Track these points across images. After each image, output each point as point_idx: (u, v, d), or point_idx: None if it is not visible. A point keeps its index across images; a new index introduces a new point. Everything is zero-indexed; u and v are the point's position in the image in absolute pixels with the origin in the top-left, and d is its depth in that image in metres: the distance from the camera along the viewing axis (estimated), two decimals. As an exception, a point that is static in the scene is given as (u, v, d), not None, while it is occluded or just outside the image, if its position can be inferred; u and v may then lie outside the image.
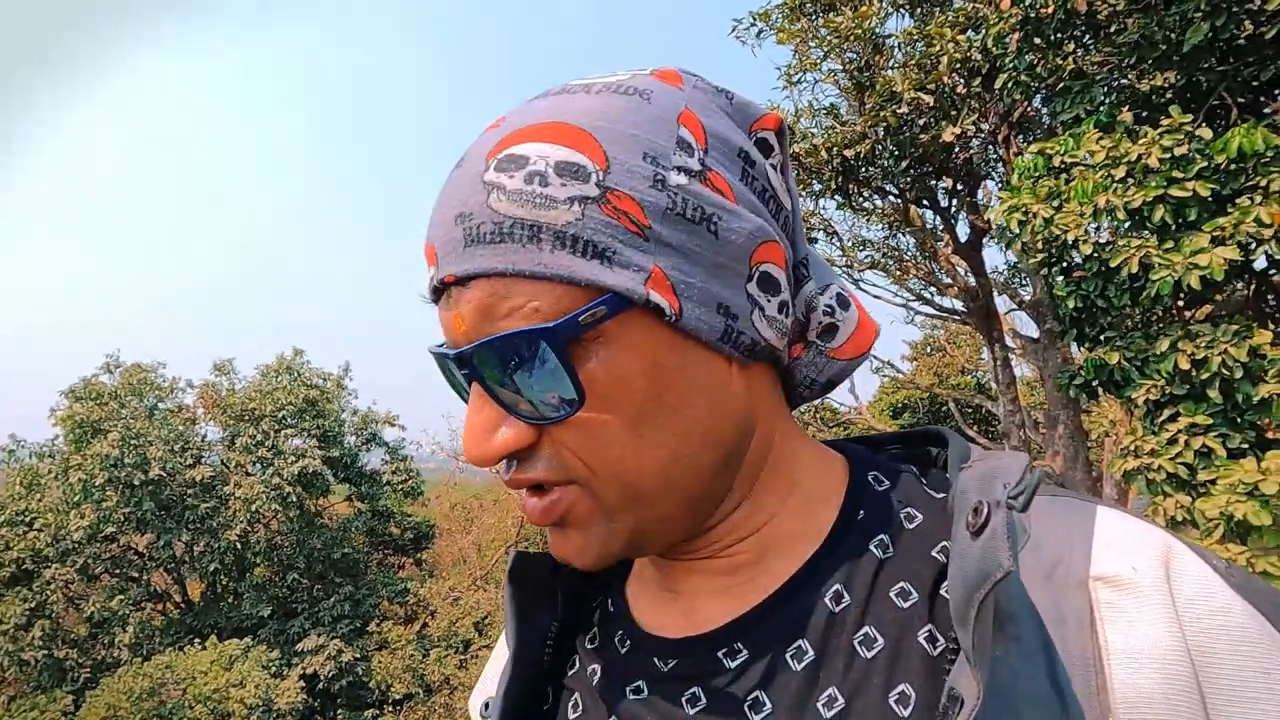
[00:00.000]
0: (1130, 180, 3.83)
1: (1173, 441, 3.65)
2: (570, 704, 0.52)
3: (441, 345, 0.46)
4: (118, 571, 12.69)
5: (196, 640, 11.67)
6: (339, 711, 12.10)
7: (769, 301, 0.45)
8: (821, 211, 8.92)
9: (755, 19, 7.69)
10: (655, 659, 0.48)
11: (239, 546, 12.71)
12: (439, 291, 0.44)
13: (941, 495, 0.49)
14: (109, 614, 11.72)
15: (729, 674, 0.45)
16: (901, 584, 0.45)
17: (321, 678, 11.89)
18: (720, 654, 0.46)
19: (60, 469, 11.93)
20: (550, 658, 0.53)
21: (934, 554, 0.45)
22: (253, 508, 12.38)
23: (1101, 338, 4.30)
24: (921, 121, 6.91)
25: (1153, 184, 3.69)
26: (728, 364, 0.45)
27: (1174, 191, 3.62)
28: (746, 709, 0.44)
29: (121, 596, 12.07)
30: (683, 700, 0.46)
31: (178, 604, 13.83)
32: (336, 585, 13.26)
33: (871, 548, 0.47)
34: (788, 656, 0.44)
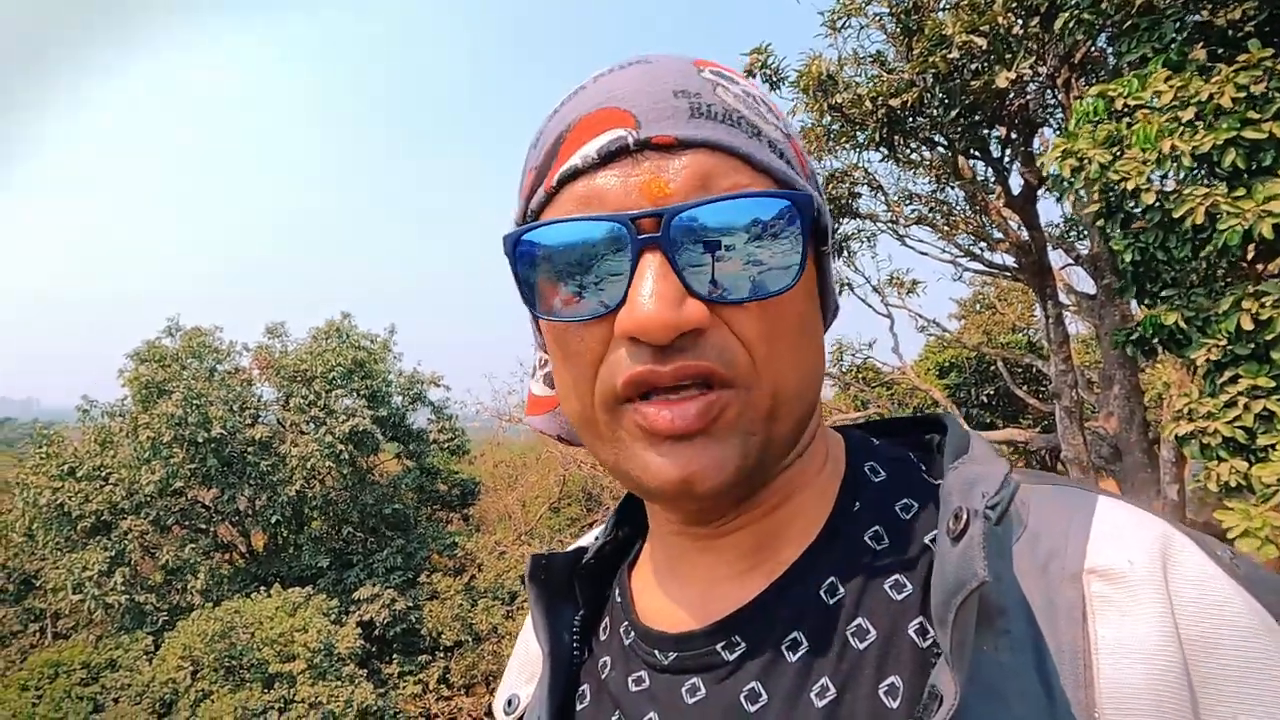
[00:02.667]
0: (1199, 123, 3.56)
1: (1231, 404, 3.47)
2: (578, 694, 0.53)
3: (587, 217, 0.42)
4: (187, 523, 13.51)
5: (261, 588, 12.41)
6: (394, 656, 12.79)
7: (832, 276, 0.51)
8: (865, 165, 8.59)
9: (797, -38, 7.31)
10: (656, 651, 0.50)
11: (297, 501, 13.36)
12: (612, 156, 0.42)
13: (939, 483, 0.48)
14: (181, 562, 12.53)
15: (727, 667, 0.46)
16: (895, 576, 0.45)
17: (377, 624, 12.55)
18: (718, 647, 0.47)
19: (130, 427, 12.64)
20: (577, 651, 0.55)
21: (928, 543, 0.45)
22: (308, 465, 12.95)
23: (1162, 294, 4.08)
24: (973, 67, 6.53)
25: (1225, 126, 3.42)
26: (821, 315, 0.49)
27: (1248, 133, 3.35)
28: (744, 700, 0.45)
29: (192, 546, 12.87)
30: (683, 692, 0.47)
31: (243, 554, 14.69)
32: (388, 538, 13.86)
33: (866, 539, 0.47)
34: (783, 648, 0.45)
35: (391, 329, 15.37)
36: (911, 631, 0.42)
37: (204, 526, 13.85)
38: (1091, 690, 0.37)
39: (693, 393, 0.41)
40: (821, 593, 0.46)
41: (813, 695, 0.43)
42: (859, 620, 0.44)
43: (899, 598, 0.44)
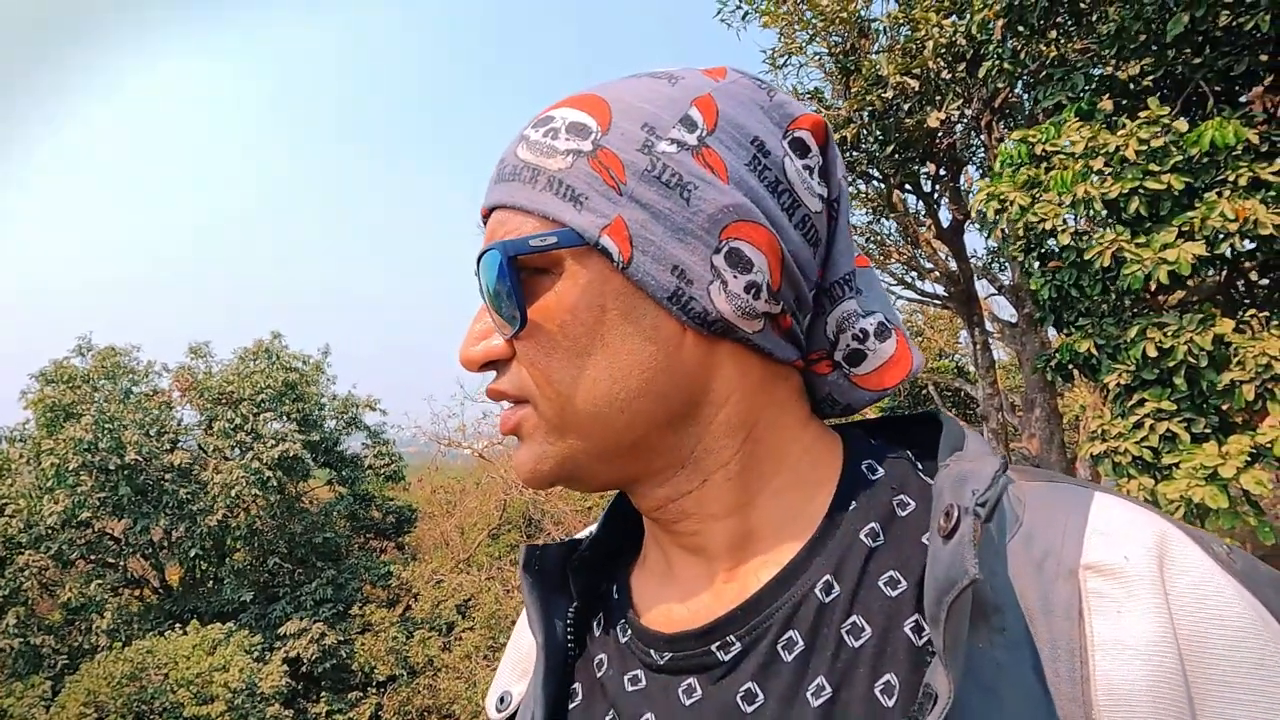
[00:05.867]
0: (1108, 171, 3.88)
1: (1139, 426, 3.74)
2: (571, 691, 0.52)
3: None
4: (93, 557, 12.50)
5: (177, 625, 11.59)
6: (323, 694, 12.11)
7: (735, 278, 0.46)
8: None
9: (741, 1, 7.62)
10: (652, 650, 0.49)
11: (219, 531, 12.58)
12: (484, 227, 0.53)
13: (933, 481, 0.49)
14: (85, 600, 11.56)
15: (723, 666, 0.46)
16: (891, 572, 0.45)
17: (305, 661, 11.88)
18: (714, 647, 0.47)
19: (32, 453, 11.68)
20: (572, 644, 0.54)
21: (924, 540, 0.45)
22: (232, 492, 12.23)
23: (1077, 323, 4.38)
24: (906, 106, 6.92)
25: (1129, 176, 3.74)
26: (680, 328, 0.46)
27: (1149, 184, 3.68)
28: (740, 700, 0.45)
29: (99, 582, 11.91)
30: (679, 692, 0.47)
31: (156, 589, 13.69)
32: (318, 569, 13.20)
33: (862, 536, 0.47)
34: (779, 648, 0.45)
35: (325, 349, 14.83)
36: (907, 629, 0.42)
37: (113, 560, 12.84)
38: (1088, 687, 0.38)
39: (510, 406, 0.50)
40: (816, 591, 0.45)
41: (809, 694, 0.43)
42: (854, 618, 0.44)
43: (894, 595, 0.44)
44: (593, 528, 0.61)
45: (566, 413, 0.47)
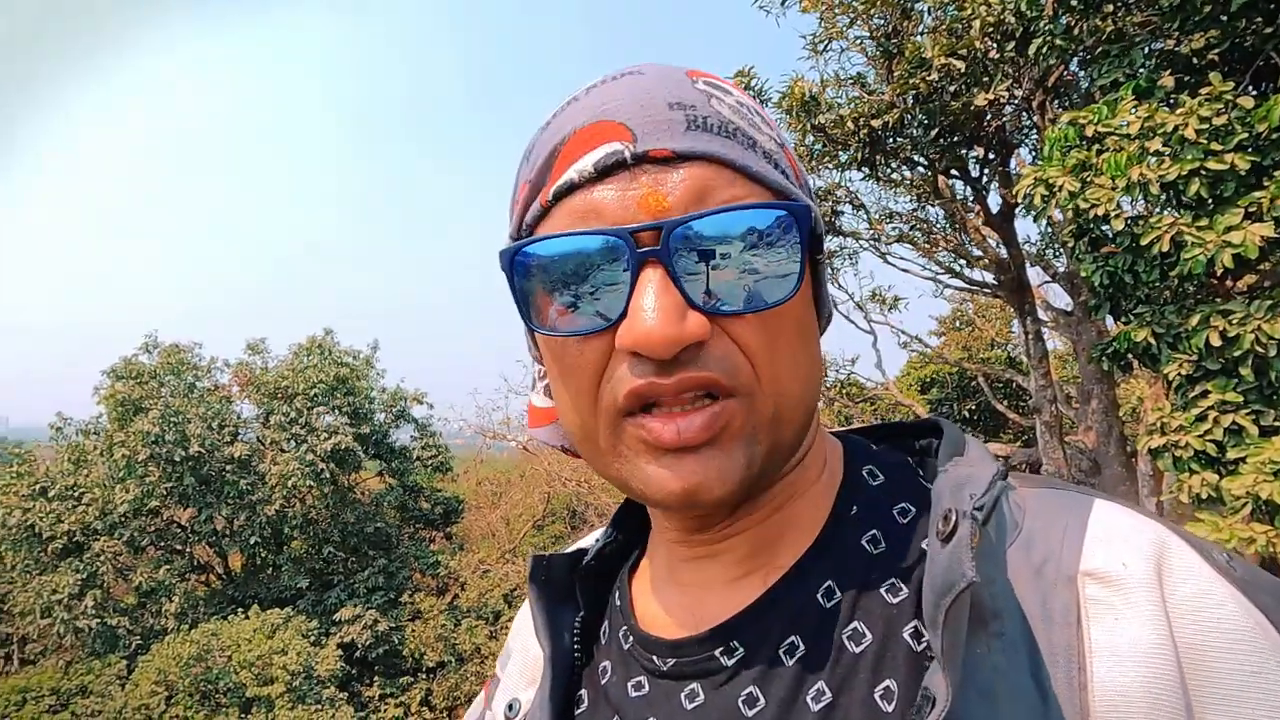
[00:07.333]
0: (1166, 152, 3.68)
1: (1202, 418, 3.56)
2: (577, 698, 0.53)
3: (585, 231, 0.42)
4: (162, 544, 13.21)
5: (239, 610, 12.15)
6: (375, 678, 12.55)
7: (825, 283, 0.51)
8: (847, 184, 8.73)
9: (778, -14, 7.48)
10: (655, 657, 0.50)
11: (276, 520, 13.12)
12: (609, 170, 0.42)
13: (932, 487, 0.49)
14: (156, 584, 12.23)
15: (725, 672, 0.47)
16: (891, 580, 0.45)
17: (358, 646, 12.31)
18: (717, 652, 0.47)
19: (105, 445, 12.37)
20: (578, 653, 0.55)
21: (924, 546, 0.45)
22: (288, 483, 12.74)
23: (1135, 311, 4.19)
24: (952, 89, 6.69)
25: (1189, 156, 3.54)
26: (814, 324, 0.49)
27: (1211, 164, 3.47)
28: (742, 705, 0.45)
29: (167, 568, 12.58)
30: (681, 697, 0.47)
31: (219, 575, 14.38)
32: (370, 558, 13.65)
33: (863, 543, 0.47)
34: (780, 653, 0.45)
35: (374, 345, 15.25)
36: (906, 635, 0.42)
37: (180, 547, 13.54)
38: (1085, 693, 0.37)
39: (698, 404, 0.41)
40: (818, 597, 0.46)
41: (809, 699, 0.43)
42: (855, 624, 0.44)
43: (895, 601, 0.44)
44: (598, 533, 0.61)
45: (785, 403, 0.43)
